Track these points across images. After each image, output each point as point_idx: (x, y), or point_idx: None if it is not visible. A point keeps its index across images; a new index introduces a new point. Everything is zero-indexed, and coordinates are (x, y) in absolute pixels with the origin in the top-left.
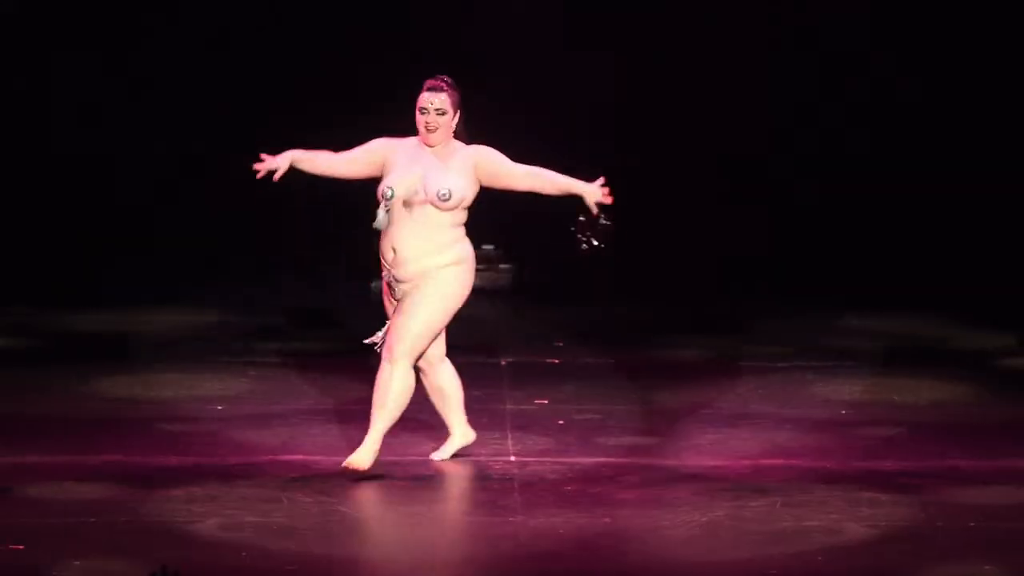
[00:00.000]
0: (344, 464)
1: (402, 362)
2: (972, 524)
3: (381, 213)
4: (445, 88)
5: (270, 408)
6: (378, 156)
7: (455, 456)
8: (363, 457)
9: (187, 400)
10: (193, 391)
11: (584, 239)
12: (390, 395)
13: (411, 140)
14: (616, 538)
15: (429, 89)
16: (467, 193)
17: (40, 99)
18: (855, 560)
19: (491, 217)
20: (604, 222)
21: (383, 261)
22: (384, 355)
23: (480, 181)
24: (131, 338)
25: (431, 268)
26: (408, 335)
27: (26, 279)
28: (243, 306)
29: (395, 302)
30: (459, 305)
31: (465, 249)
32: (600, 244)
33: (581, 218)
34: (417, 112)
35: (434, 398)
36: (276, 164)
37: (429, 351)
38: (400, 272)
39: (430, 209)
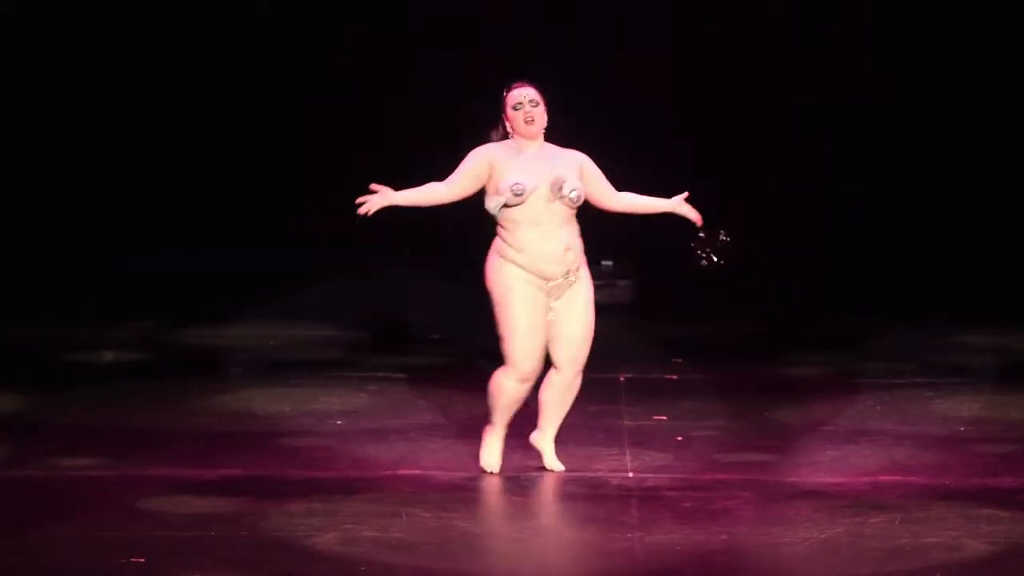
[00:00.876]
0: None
1: (580, 372)
2: None
3: (496, 201)
4: (531, 84)
5: (388, 423)
6: (483, 164)
7: (574, 471)
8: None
9: (306, 414)
10: (311, 405)
11: (703, 255)
12: (568, 405)
13: (506, 143)
14: (733, 555)
15: (516, 88)
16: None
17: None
18: None
19: (609, 233)
20: (723, 238)
21: (549, 261)
22: (566, 366)
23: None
24: (250, 352)
25: (582, 260)
26: (587, 349)
27: (148, 294)
28: (359, 320)
29: (551, 305)
30: None
31: None
32: (719, 260)
33: (700, 234)
34: (510, 110)
35: (517, 406)
36: (377, 204)
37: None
38: (575, 267)
39: (564, 206)
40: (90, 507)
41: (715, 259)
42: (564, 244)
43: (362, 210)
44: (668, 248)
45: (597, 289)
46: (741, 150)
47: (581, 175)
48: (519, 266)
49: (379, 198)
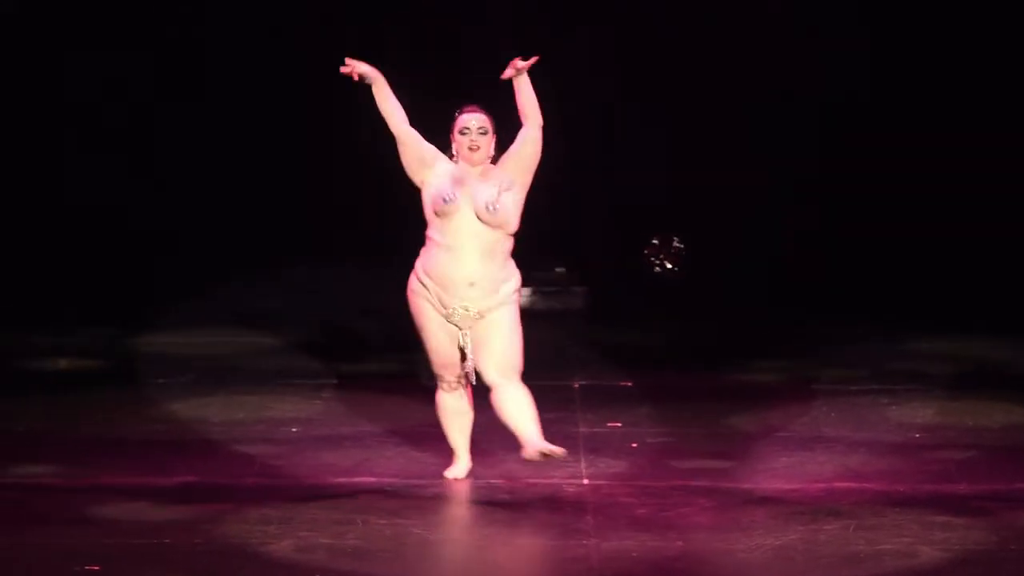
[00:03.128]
0: (545, 452)
1: (517, 380)
2: None
3: (441, 208)
4: (481, 110)
5: (343, 430)
6: (429, 152)
7: (529, 479)
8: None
9: (261, 422)
10: (267, 413)
11: (657, 261)
12: (528, 407)
13: (450, 162)
14: (689, 561)
15: (467, 111)
16: (512, 209)
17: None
18: None
19: (564, 239)
20: (676, 244)
21: (447, 291)
22: (498, 381)
23: (520, 171)
24: (204, 360)
25: (501, 302)
26: (516, 358)
27: (101, 300)
28: (317, 327)
29: (462, 329)
30: None
31: (518, 278)
32: (673, 266)
33: (654, 240)
34: (456, 134)
35: (464, 420)
36: (362, 70)
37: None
38: (480, 304)
39: (494, 236)
40: (45, 516)
41: (669, 265)
42: (468, 278)
43: (346, 69)
44: (622, 254)
45: (551, 296)
46: (697, 154)
47: (511, 168)
48: (424, 287)
49: (367, 67)
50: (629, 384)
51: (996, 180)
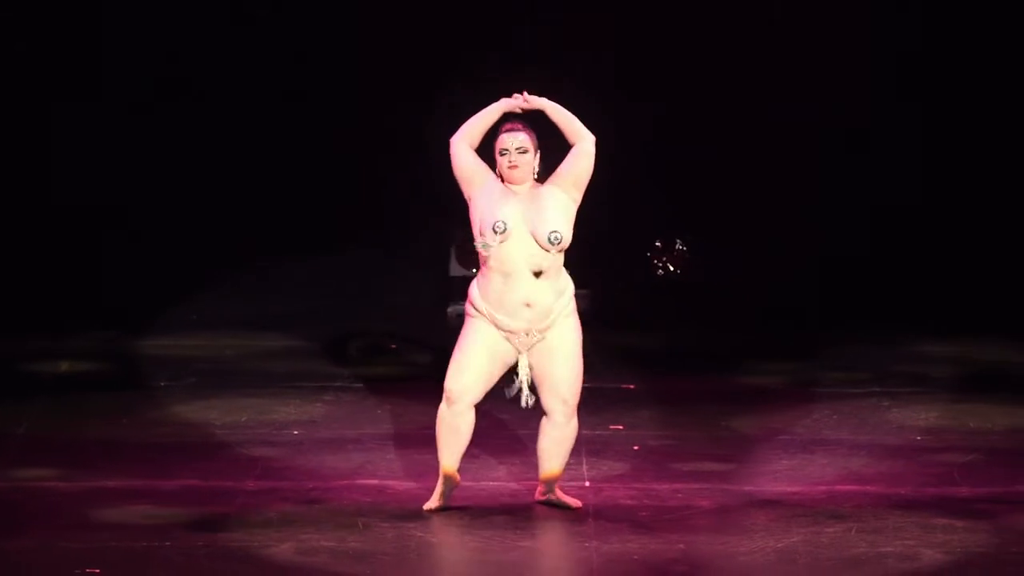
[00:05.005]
0: (554, 501)
1: (574, 415)
2: None
3: (491, 239)
4: (522, 128)
5: (345, 432)
6: (483, 170)
7: (531, 480)
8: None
9: (262, 424)
10: (268, 415)
11: (659, 264)
12: (567, 451)
13: (499, 182)
14: (691, 564)
15: (506, 131)
16: (570, 232)
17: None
18: None
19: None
20: (679, 247)
21: (504, 314)
22: (557, 409)
23: (574, 188)
24: (206, 363)
25: (559, 314)
26: (578, 386)
27: (101, 302)
28: (316, 330)
29: (520, 353)
30: None
31: (571, 286)
32: (675, 269)
33: (657, 244)
34: (497, 155)
35: (459, 436)
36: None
37: (475, 394)
38: (539, 325)
39: (548, 258)
40: (46, 518)
41: (671, 268)
42: (525, 299)
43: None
44: (625, 257)
45: None
46: (700, 159)
47: (564, 189)
48: (480, 313)
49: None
50: (631, 387)
51: (1000, 182)
